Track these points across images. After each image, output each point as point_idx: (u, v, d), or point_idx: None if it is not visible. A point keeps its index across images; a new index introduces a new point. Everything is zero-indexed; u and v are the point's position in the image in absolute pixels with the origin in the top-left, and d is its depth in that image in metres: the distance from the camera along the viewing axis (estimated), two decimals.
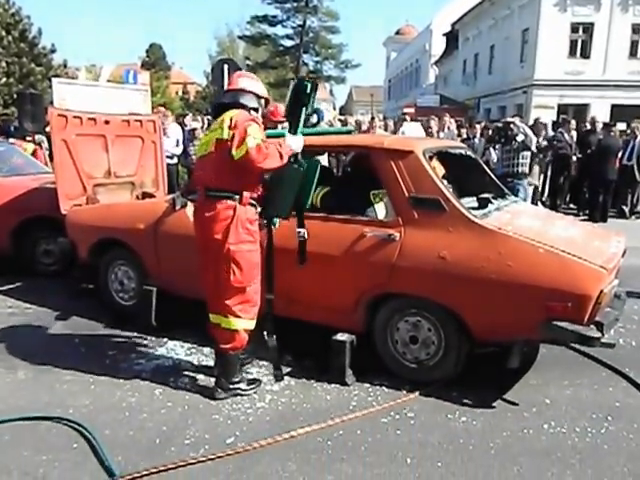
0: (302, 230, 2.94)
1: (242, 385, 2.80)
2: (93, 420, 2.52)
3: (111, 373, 3.03)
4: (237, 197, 2.62)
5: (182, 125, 8.25)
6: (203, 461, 2.23)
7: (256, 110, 2.76)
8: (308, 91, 2.74)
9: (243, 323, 2.70)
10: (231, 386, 2.76)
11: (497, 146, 6.72)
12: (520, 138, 6.14)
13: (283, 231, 3.04)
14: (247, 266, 2.65)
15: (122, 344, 3.45)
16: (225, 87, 2.86)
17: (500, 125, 6.66)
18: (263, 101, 2.85)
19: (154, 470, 2.15)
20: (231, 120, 2.58)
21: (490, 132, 8.03)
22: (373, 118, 8.69)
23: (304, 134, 2.83)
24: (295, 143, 2.71)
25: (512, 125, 6.20)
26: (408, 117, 10.25)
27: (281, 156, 2.59)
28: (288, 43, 31.56)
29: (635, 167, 8.63)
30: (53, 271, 4.87)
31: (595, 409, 2.69)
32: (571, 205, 9.49)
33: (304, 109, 2.79)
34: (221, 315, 2.71)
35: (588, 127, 9.48)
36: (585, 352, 3.27)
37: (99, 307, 4.03)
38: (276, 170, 2.66)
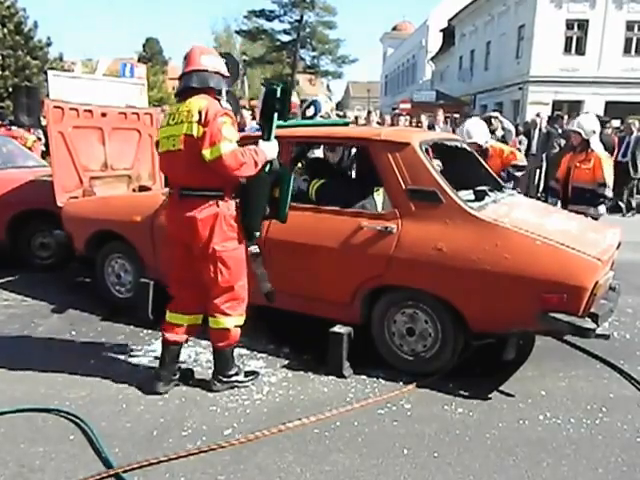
0: (254, 247, 2.86)
1: (239, 377, 2.79)
2: (90, 412, 2.52)
3: (108, 365, 3.03)
4: (217, 194, 2.50)
5: None
6: (200, 452, 2.23)
7: (220, 93, 2.59)
8: (278, 95, 2.62)
9: (232, 320, 2.66)
10: (228, 379, 2.75)
11: None
12: (500, 133, 6.19)
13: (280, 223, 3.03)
14: (234, 265, 2.59)
15: (119, 337, 3.44)
16: (185, 67, 2.60)
17: (482, 120, 6.72)
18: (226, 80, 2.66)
19: (151, 461, 2.15)
20: (200, 114, 2.39)
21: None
22: (370, 112, 8.70)
23: (302, 125, 2.82)
24: (269, 150, 2.57)
25: (492, 120, 6.23)
26: (404, 112, 10.26)
27: (256, 164, 2.46)
28: (285, 38, 31.54)
29: (630, 163, 8.68)
30: (49, 264, 4.85)
31: (590, 400, 2.71)
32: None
33: (276, 114, 2.64)
34: (210, 312, 2.66)
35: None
36: (580, 346, 3.29)
37: (95, 300, 4.02)
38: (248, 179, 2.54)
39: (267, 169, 2.60)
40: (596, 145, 4.41)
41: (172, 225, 2.65)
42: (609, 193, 4.27)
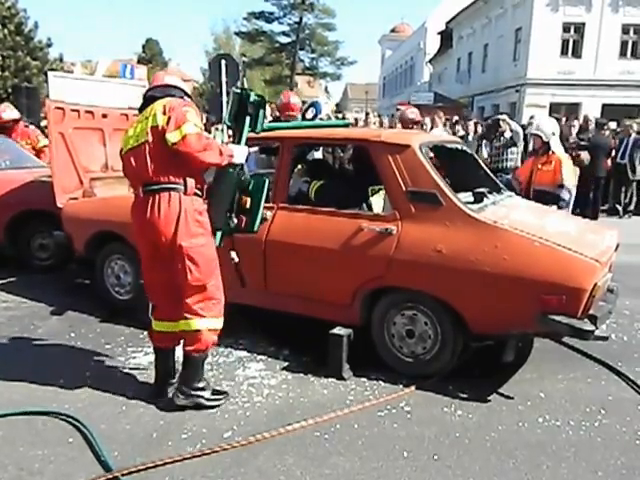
0: (232, 253, 2.73)
1: (205, 393, 2.58)
2: (89, 414, 2.51)
3: (107, 367, 3.02)
4: (181, 188, 2.42)
5: None
6: (200, 455, 2.23)
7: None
8: (252, 100, 2.60)
9: (205, 322, 2.49)
10: (192, 392, 2.55)
11: (486, 142, 6.81)
12: (508, 134, 6.22)
13: (281, 224, 3.04)
14: (203, 261, 2.46)
15: (119, 338, 3.43)
16: (149, 87, 2.70)
17: (490, 122, 6.76)
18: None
19: (151, 465, 2.14)
20: (164, 107, 2.42)
21: (481, 129, 8.13)
22: (368, 114, 8.71)
23: (302, 126, 2.81)
24: (237, 152, 2.53)
25: (501, 122, 6.28)
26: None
27: (221, 153, 2.42)
28: (284, 40, 31.58)
29: (628, 165, 8.71)
30: (48, 265, 4.84)
31: (589, 403, 2.72)
32: None
33: (248, 119, 2.61)
34: (183, 312, 2.51)
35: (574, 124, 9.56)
36: (578, 348, 3.30)
37: (95, 301, 4.01)
38: (214, 177, 2.52)
39: (236, 173, 2.55)
40: (557, 147, 4.47)
41: (137, 225, 2.53)
42: (565, 195, 4.30)
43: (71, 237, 4.06)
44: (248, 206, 2.61)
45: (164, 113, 2.41)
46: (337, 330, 2.92)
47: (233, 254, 2.73)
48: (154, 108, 2.46)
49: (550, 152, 4.37)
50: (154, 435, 2.38)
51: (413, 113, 5.42)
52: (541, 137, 4.36)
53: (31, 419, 2.49)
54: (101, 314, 3.80)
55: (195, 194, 2.49)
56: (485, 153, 6.95)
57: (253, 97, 2.63)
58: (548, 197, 4.24)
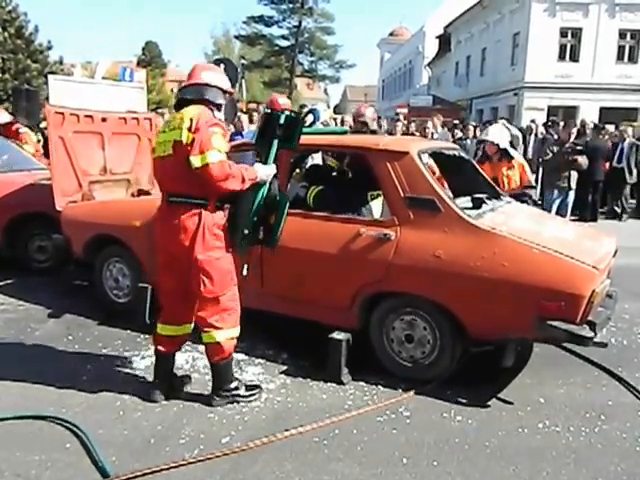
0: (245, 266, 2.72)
1: (241, 391, 2.70)
2: (87, 419, 2.50)
3: (105, 371, 3.01)
4: (202, 202, 2.45)
5: None
6: (198, 461, 2.21)
7: (219, 107, 2.58)
8: (281, 122, 2.58)
9: (224, 333, 2.56)
10: (228, 393, 2.66)
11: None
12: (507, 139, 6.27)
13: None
14: (218, 275, 2.50)
15: (116, 342, 3.42)
16: (185, 81, 2.61)
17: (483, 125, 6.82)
18: (227, 96, 2.65)
19: (148, 471, 2.13)
20: (191, 121, 2.38)
21: (472, 133, 8.20)
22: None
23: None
24: (263, 171, 2.55)
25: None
26: (402, 117, 10.28)
27: (243, 180, 2.42)
28: (283, 43, 31.60)
29: (626, 169, 8.74)
30: (46, 268, 4.82)
31: (589, 408, 2.71)
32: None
33: (276, 141, 2.61)
34: (201, 327, 2.58)
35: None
36: (577, 352, 3.30)
37: (92, 304, 3.99)
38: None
39: (264, 192, 2.56)
40: (513, 152, 4.70)
41: (158, 232, 2.59)
42: (533, 193, 4.59)
43: (70, 240, 4.05)
44: (271, 222, 2.62)
45: (190, 130, 2.37)
46: (336, 334, 2.92)
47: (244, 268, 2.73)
48: (183, 119, 2.41)
49: (511, 158, 4.55)
50: (152, 440, 2.37)
51: (370, 112, 4.86)
52: (498, 145, 4.47)
53: (28, 424, 2.47)
54: (98, 317, 3.78)
55: (216, 207, 2.51)
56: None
57: (283, 119, 2.60)
58: (517, 199, 4.38)
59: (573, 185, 6.93)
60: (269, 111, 2.67)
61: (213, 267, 2.49)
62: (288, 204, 2.67)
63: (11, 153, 5.46)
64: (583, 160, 6.81)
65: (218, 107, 2.58)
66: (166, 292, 2.66)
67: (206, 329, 2.57)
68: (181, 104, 2.54)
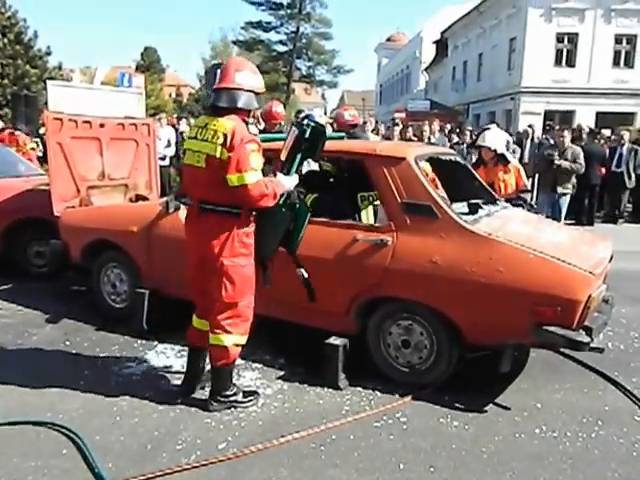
0: (301, 270, 2.86)
1: (238, 397, 2.71)
2: (83, 425, 2.49)
3: (102, 377, 3.00)
4: (233, 211, 2.49)
5: (175, 127, 8.30)
6: (195, 467, 2.21)
7: (249, 113, 2.58)
8: (307, 136, 2.62)
9: (232, 339, 2.59)
10: (225, 399, 2.68)
11: (475, 150, 6.86)
12: None
13: None
14: (240, 281, 2.55)
15: (113, 347, 3.41)
16: (217, 82, 2.53)
17: (481, 131, 6.80)
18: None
19: (144, 477, 2.13)
20: (225, 137, 2.37)
21: (468, 138, 8.22)
22: (365, 122, 8.73)
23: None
24: (287, 183, 2.60)
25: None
26: (399, 121, 10.32)
27: (275, 196, 2.49)
28: (281, 48, 31.68)
29: (625, 174, 8.79)
30: (44, 273, 4.82)
31: (585, 413, 2.72)
32: None
33: (300, 154, 2.66)
34: (212, 328, 2.63)
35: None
36: (574, 357, 3.31)
37: (90, 309, 3.99)
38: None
39: (283, 200, 2.60)
40: (509, 156, 4.71)
41: (189, 236, 2.66)
42: (528, 197, 4.63)
43: (68, 245, 4.05)
44: (291, 228, 2.69)
45: (224, 145, 2.37)
46: (333, 340, 2.92)
47: (302, 271, 2.83)
48: (217, 133, 2.40)
49: (507, 162, 4.54)
50: (148, 446, 2.36)
51: (351, 115, 4.86)
52: (495, 150, 4.46)
53: (25, 429, 2.47)
54: (96, 322, 3.78)
55: (246, 216, 2.55)
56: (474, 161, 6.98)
57: (309, 133, 2.63)
58: (512, 203, 4.39)
59: (565, 190, 6.75)
60: (296, 130, 2.66)
61: (237, 273, 2.54)
62: (309, 214, 2.73)
63: (8, 159, 5.47)
64: (567, 163, 6.65)
65: (250, 113, 2.58)
66: (198, 290, 2.70)
67: (217, 330, 2.59)
68: (212, 109, 2.52)
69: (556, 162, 6.45)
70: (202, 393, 2.79)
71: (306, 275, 2.85)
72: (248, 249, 2.58)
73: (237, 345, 2.63)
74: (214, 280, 2.56)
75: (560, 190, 6.57)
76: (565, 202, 6.70)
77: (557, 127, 9.47)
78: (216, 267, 2.53)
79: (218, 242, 2.50)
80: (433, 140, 8.51)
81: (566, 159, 6.54)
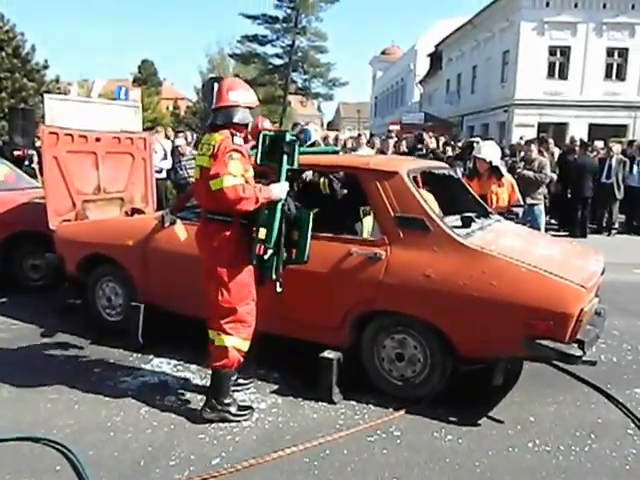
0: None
1: (232, 409, 2.71)
2: (77, 440, 2.49)
3: (96, 391, 2.99)
4: (229, 219, 2.63)
5: (169, 139, 8.36)
6: None
7: (246, 126, 2.74)
8: (287, 140, 2.69)
9: (233, 340, 2.66)
10: (220, 407, 2.69)
11: (459, 162, 6.93)
12: None
13: None
14: (235, 287, 2.64)
15: (108, 361, 3.41)
16: (214, 104, 2.74)
17: (465, 144, 6.87)
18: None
19: None
20: (213, 148, 2.57)
21: (451, 151, 8.28)
22: (359, 135, 8.80)
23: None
24: (277, 190, 2.64)
25: (474, 144, 6.41)
26: (394, 134, 10.40)
27: (257, 201, 2.55)
28: (277, 62, 31.93)
29: (615, 185, 8.89)
30: (40, 286, 4.81)
31: (578, 426, 2.73)
32: (552, 221, 9.70)
33: (285, 157, 2.70)
34: (214, 331, 2.70)
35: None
36: (567, 369, 3.32)
37: (85, 323, 3.98)
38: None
39: (279, 209, 2.64)
40: (503, 170, 4.76)
41: (197, 244, 2.82)
42: (520, 211, 4.64)
43: (63, 259, 4.05)
44: (296, 238, 2.73)
45: (212, 157, 2.56)
46: (327, 353, 2.93)
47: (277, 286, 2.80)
48: (210, 144, 2.60)
49: (501, 175, 4.57)
50: (142, 462, 2.36)
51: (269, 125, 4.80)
52: (490, 162, 4.49)
53: (18, 445, 2.46)
54: (91, 336, 3.77)
55: (240, 224, 2.65)
56: (459, 173, 6.99)
57: (289, 137, 2.73)
58: (504, 216, 4.41)
59: (535, 200, 6.30)
60: (272, 134, 2.78)
61: (232, 279, 2.63)
62: (311, 219, 2.73)
63: (5, 172, 5.48)
64: (531, 173, 6.55)
65: (246, 126, 2.73)
66: (208, 300, 2.74)
67: (218, 332, 2.66)
68: (213, 128, 2.69)
69: (518, 171, 6.43)
70: (195, 401, 2.80)
71: (280, 290, 2.76)
72: (242, 256, 2.65)
73: (238, 350, 2.68)
74: (212, 285, 2.67)
75: (529, 200, 6.40)
76: (540, 212, 6.50)
77: (524, 141, 9.39)
78: (212, 272, 2.65)
79: (214, 248, 2.64)
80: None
81: (532, 170, 6.48)
